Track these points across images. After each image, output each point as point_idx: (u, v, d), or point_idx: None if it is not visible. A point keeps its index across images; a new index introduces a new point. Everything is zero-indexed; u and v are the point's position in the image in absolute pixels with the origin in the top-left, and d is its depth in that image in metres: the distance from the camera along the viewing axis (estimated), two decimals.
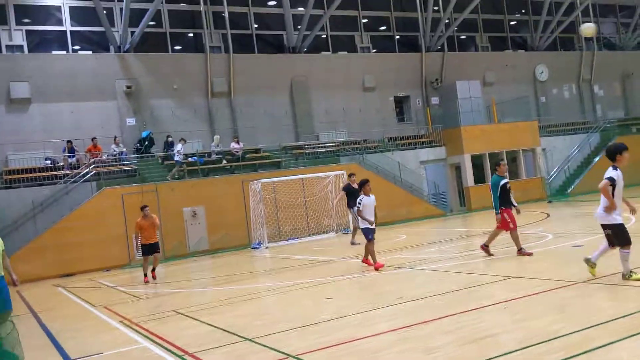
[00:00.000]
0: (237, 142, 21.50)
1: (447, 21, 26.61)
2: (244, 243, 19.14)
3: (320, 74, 24.46)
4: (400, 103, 26.83)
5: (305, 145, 23.32)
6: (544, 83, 29.95)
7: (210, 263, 16.40)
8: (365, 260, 10.56)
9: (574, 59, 31.03)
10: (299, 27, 23.71)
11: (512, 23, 30.54)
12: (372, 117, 25.38)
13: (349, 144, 23.46)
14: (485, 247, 10.29)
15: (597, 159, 27.12)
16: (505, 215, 9.93)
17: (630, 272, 6.65)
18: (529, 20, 30.69)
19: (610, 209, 6.50)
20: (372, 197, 10.25)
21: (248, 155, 21.74)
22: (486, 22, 29.57)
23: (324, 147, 23.39)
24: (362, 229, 10.36)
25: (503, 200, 10.01)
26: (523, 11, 30.78)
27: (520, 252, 9.83)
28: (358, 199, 10.31)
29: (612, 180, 6.47)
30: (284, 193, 19.63)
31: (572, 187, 26.18)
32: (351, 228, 16.59)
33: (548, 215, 18.45)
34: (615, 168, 6.61)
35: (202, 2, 22.63)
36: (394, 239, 16.07)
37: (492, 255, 10.22)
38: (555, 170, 26.84)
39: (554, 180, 26.65)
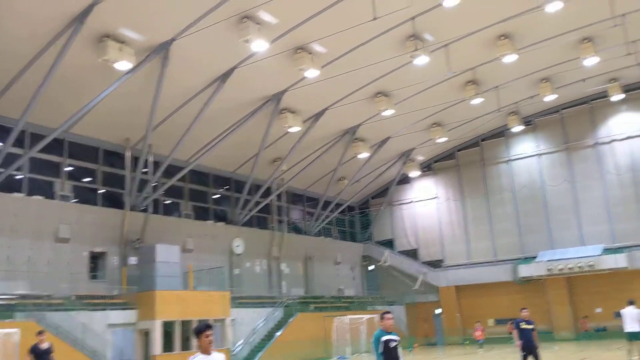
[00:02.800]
0: None
1: (155, 184, 27.05)
2: None
3: (7, 216, 21.91)
4: (96, 259, 25.28)
5: None
6: (239, 256, 31.77)
7: None
8: None
9: (267, 237, 33.99)
10: None
11: (215, 196, 32.52)
12: (62, 271, 23.16)
13: (29, 298, 20.74)
14: None
15: (279, 333, 28.98)
16: None
17: None
18: (230, 196, 33.12)
19: None
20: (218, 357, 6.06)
21: None
22: (192, 192, 30.93)
23: None
24: None
25: None
26: (227, 187, 33.22)
27: None
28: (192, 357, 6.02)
29: None
30: None
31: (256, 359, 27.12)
32: None
33: None
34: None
35: None
36: None
37: None
38: (241, 342, 27.60)
39: (240, 352, 27.27)
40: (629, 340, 17.82)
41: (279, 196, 35.42)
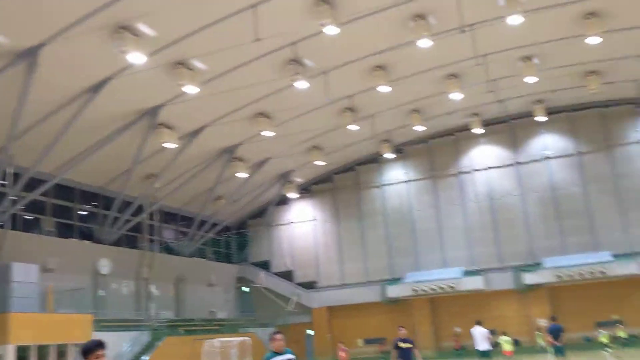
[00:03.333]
0: None
1: (14, 198, 25.01)
2: None
3: None
4: None
5: None
6: (105, 276, 30.10)
7: None
8: None
9: (136, 257, 32.55)
10: None
11: (81, 213, 30.69)
12: None
13: None
14: None
15: (145, 357, 27.72)
16: None
17: None
18: (98, 213, 31.43)
19: None
20: None
21: None
22: (56, 207, 28.98)
23: None
24: None
25: None
26: (95, 203, 31.49)
27: None
28: None
29: None
30: None
31: None
32: None
33: None
34: None
35: None
36: None
37: None
38: None
39: None
40: (480, 358, 19.18)
41: (151, 214, 34.15)
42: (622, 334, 29.84)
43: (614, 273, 31.90)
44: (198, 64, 22.77)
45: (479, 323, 19.51)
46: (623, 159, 34.99)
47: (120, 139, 26.03)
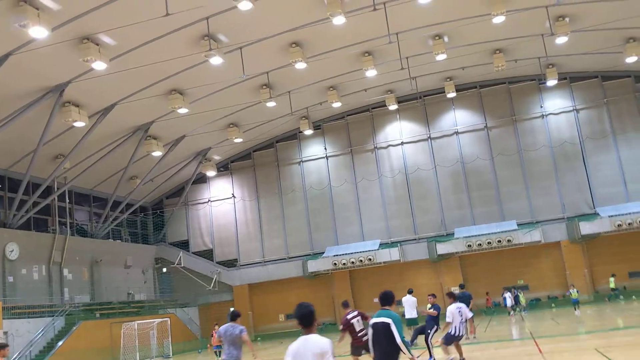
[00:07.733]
0: None
1: None
2: None
3: None
4: None
5: None
6: (13, 262, 28.72)
7: None
8: None
9: (47, 241, 31.22)
10: None
11: None
12: None
13: None
14: None
15: (60, 342, 26.89)
16: None
17: None
18: (3, 196, 29.81)
19: None
20: None
21: None
22: None
23: None
24: None
25: None
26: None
27: None
28: None
29: None
30: None
31: None
32: None
33: None
34: None
35: None
36: None
37: None
38: (16, 355, 25.03)
39: None
40: (408, 326, 19.92)
41: (61, 196, 32.78)
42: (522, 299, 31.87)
43: (519, 241, 33.91)
44: (106, 38, 21.87)
45: (409, 292, 20.21)
46: (527, 132, 37.01)
47: (24, 118, 24.68)
